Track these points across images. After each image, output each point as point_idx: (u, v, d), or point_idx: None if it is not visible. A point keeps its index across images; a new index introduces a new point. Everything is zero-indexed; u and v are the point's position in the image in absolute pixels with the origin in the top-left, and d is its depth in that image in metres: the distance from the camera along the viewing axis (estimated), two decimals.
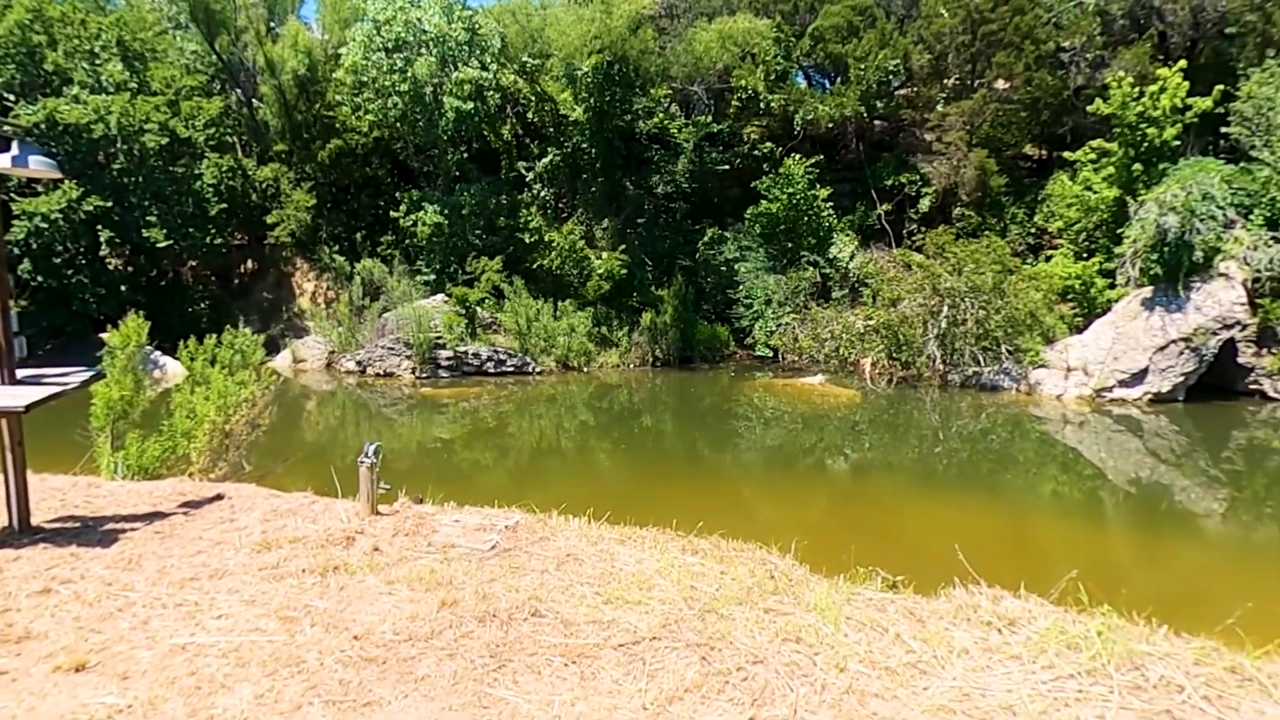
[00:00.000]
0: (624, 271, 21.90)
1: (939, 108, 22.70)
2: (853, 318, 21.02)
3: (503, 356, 19.99)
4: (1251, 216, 16.36)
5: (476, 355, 19.77)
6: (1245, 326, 15.78)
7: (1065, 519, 10.25)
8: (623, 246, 22.61)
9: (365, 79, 21.51)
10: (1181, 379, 15.54)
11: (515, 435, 15.32)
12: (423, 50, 21.13)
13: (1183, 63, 17.64)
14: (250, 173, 24.34)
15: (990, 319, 17.19)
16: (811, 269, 22.92)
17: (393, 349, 19.62)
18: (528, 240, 22.00)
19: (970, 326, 17.52)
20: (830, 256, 23.24)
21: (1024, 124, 22.75)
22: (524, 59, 22.97)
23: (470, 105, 20.80)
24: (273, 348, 22.38)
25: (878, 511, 10.29)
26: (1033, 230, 21.93)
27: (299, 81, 24.21)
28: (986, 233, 20.42)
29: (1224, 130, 17.87)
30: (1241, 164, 17.07)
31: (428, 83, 20.94)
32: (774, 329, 22.15)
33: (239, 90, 26.30)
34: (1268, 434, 14.23)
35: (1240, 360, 16.17)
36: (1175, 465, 12.90)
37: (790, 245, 23.38)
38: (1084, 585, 4.39)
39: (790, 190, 22.34)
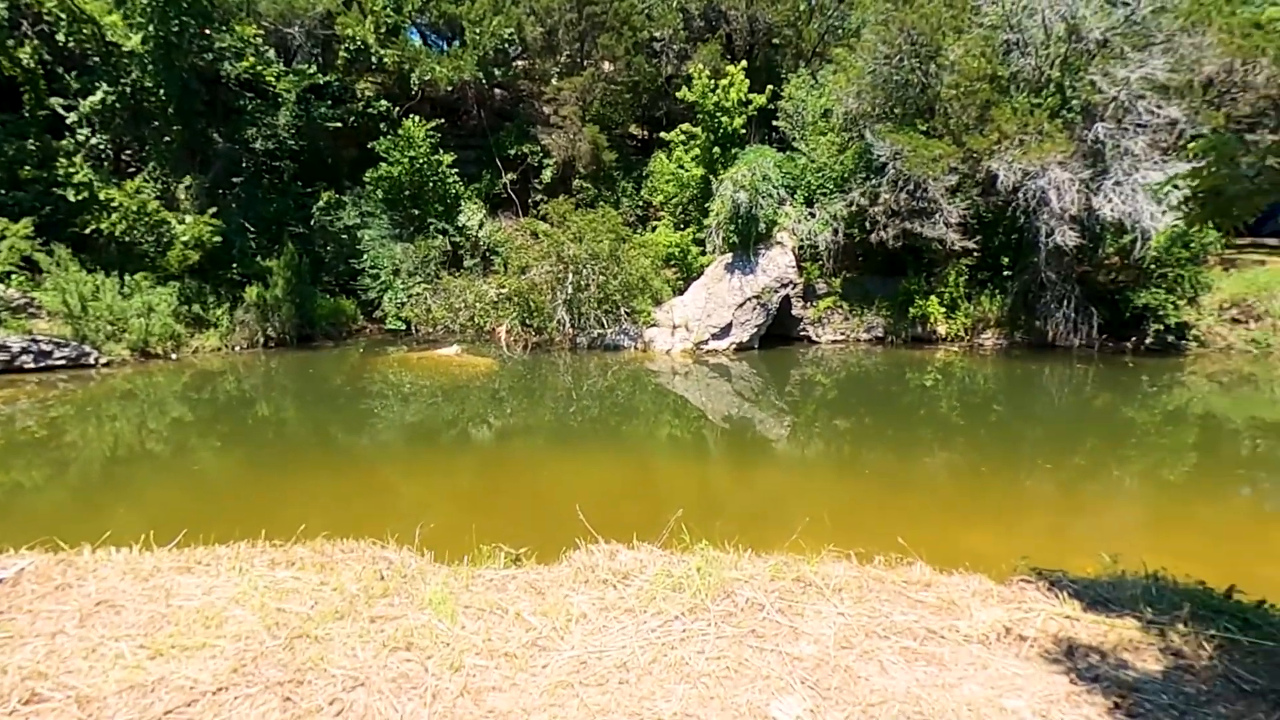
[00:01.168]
0: (218, 239, 18.63)
1: (553, 81, 23.55)
2: (485, 286, 20.98)
3: (46, 347, 15.57)
4: (796, 196, 20.21)
5: (4, 348, 15.09)
6: (796, 285, 19.55)
7: (677, 460, 11.50)
8: (214, 209, 19.18)
9: None
10: (756, 330, 18.69)
11: (76, 446, 12.03)
12: None
13: (744, 63, 20.85)
14: None
15: (609, 284, 18.57)
16: (441, 237, 22.24)
17: None
18: (74, 198, 17.31)
19: (593, 291, 18.71)
20: (460, 224, 22.81)
21: (628, 105, 24.87)
22: None
23: None
24: None
25: (515, 479, 10.30)
26: (640, 203, 24.22)
27: None
28: (602, 204, 21.95)
29: (775, 123, 21.68)
30: (788, 153, 20.91)
31: None
32: (405, 300, 21.05)
33: None
34: (813, 370, 17.86)
35: (794, 312, 20.02)
36: (754, 402, 15.46)
37: (417, 212, 22.38)
38: (687, 524, 4.77)
39: (412, 154, 21.26)
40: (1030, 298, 18.47)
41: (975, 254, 18.61)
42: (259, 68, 21.07)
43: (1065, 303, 17.81)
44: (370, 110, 22.93)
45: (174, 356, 17.46)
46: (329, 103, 22.84)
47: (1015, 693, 2.87)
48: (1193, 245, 17.30)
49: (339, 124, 22.89)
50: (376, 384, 16.20)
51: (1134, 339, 18.30)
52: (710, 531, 5.67)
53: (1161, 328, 17.64)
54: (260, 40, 21.54)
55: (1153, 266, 17.39)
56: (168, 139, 20.22)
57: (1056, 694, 2.83)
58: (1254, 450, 12.19)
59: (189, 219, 18.69)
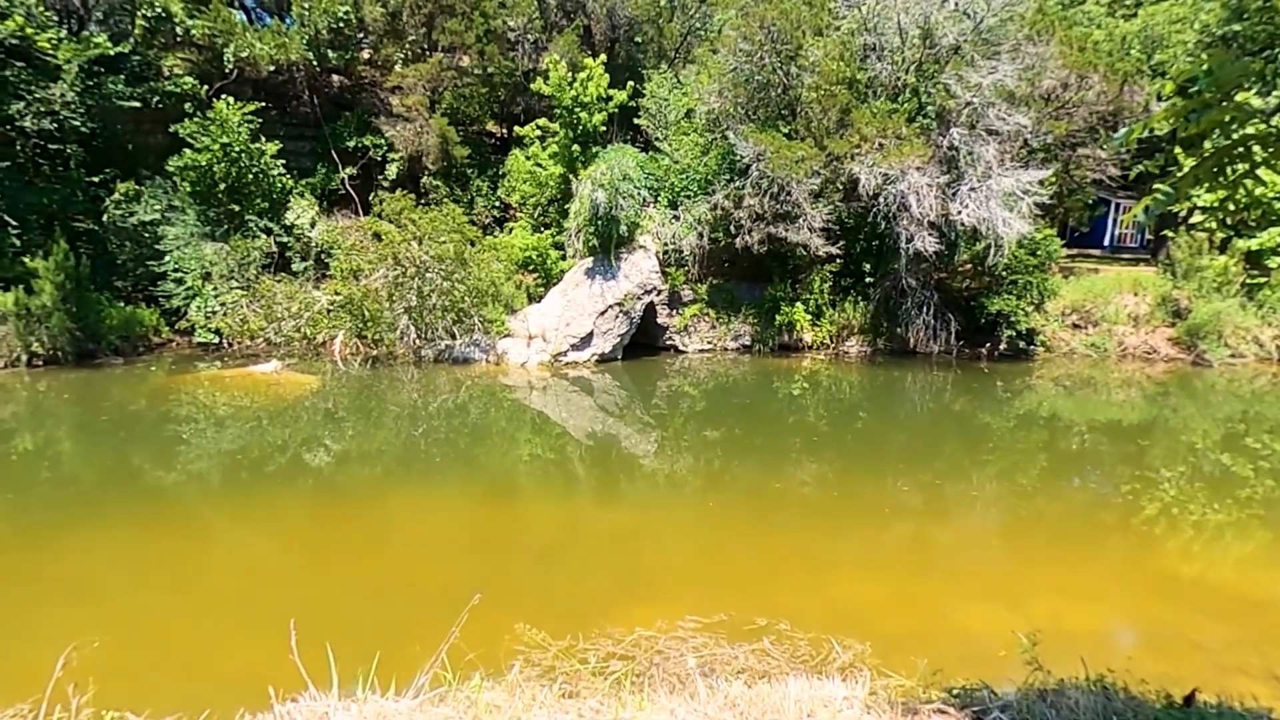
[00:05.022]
0: None
1: (398, 68, 21.42)
2: (317, 293, 18.52)
3: None
4: (659, 198, 19.24)
5: None
6: (660, 291, 18.54)
7: (509, 506, 9.75)
8: None
9: None
10: (619, 340, 17.46)
11: None
12: None
13: (603, 57, 19.67)
14: None
15: (455, 290, 16.73)
16: (265, 237, 19.51)
17: None
18: None
19: (438, 299, 16.82)
20: (288, 223, 20.15)
21: (484, 99, 23.07)
22: None
23: None
24: None
25: (262, 557, 7.68)
26: (497, 203, 22.50)
27: None
28: (446, 201, 20.03)
29: (637, 122, 20.65)
30: (650, 153, 19.93)
31: None
32: (216, 309, 18.18)
33: None
34: (680, 381, 16.87)
35: (659, 320, 19.00)
36: (619, 417, 14.20)
37: (237, 208, 19.53)
38: (492, 614, 3.34)
39: (226, 139, 18.48)
40: (891, 304, 18.42)
41: (839, 260, 18.34)
42: (29, 31, 17.63)
43: (925, 309, 17.86)
44: (174, 88, 19.80)
45: None
46: (124, 79, 19.53)
47: None
48: (1039, 253, 17.84)
49: (139, 104, 19.62)
50: (185, 407, 13.52)
51: (988, 345, 18.67)
52: (525, 612, 4.20)
53: (1013, 333, 18.06)
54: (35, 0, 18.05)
55: (1004, 273, 17.77)
56: None
57: None
58: (1095, 452, 12.30)
59: None
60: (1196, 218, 19.80)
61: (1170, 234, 20.53)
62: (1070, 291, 19.21)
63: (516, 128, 21.83)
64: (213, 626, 5.54)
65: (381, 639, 5.00)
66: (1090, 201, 22.78)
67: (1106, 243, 29.37)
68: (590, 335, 17.06)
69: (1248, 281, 18.82)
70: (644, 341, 18.72)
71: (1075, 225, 25.71)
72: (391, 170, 21.84)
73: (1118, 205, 29.27)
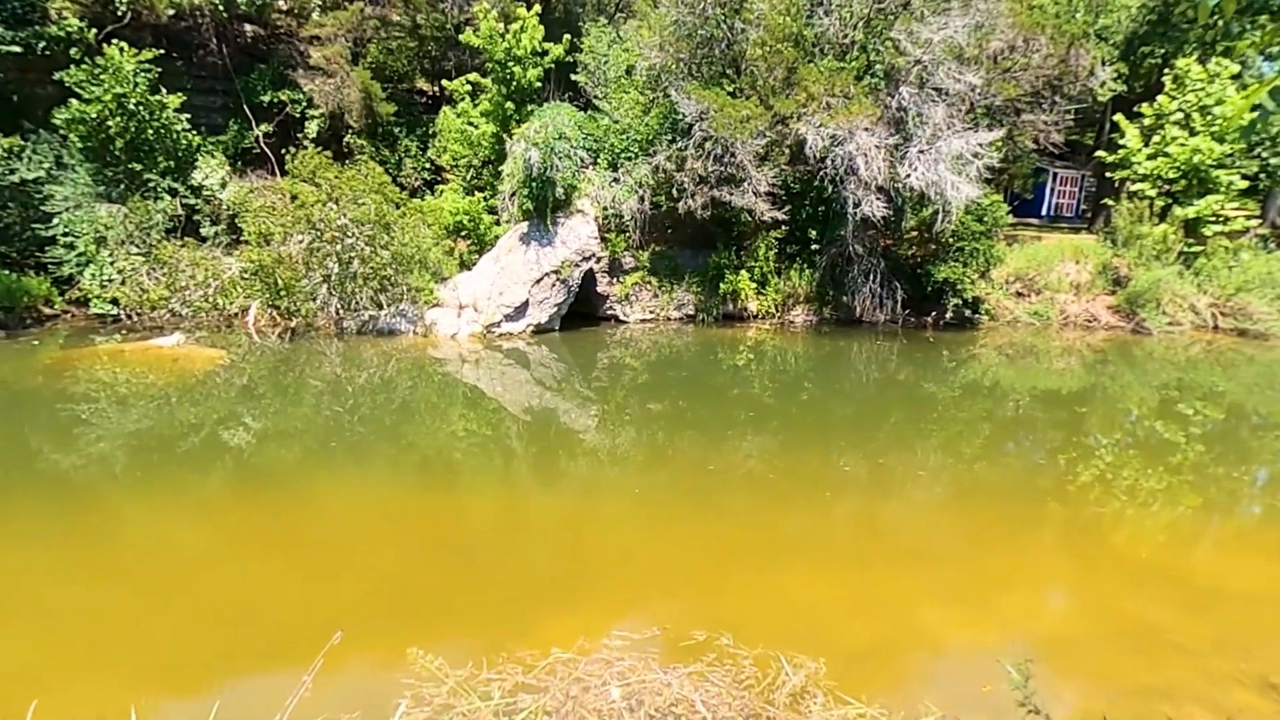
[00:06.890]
0: None
1: (315, 16, 19.78)
2: (228, 260, 17.08)
3: None
4: (599, 160, 18.26)
5: None
6: (600, 258, 17.66)
7: (448, 480, 9.11)
8: None
9: None
10: (556, 309, 16.57)
11: None
12: None
13: (538, 8, 18.46)
14: None
15: (377, 256, 15.55)
16: (169, 198, 17.88)
17: None
18: None
19: (360, 266, 15.62)
20: (195, 184, 18.51)
21: (412, 53, 21.60)
22: None
23: None
24: None
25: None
26: (427, 165, 21.18)
27: None
28: (366, 160, 18.65)
29: (574, 78, 19.54)
30: (589, 112, 18.89)
31: None
32: (114, 277, 16.60)
33: None
34: (621, 352, 16.13)
35: (599, 289, 18.14)
36: (556, 391, 13.40)
37: (137, 167, 17.81)
38: (362, 642, 2.55)
39: (120, 90, 16.73)
40: (838, 272, 17.96)
41: (784, 226, 17.74)
42: None
43: (871, 277, 17.45)
44: (61, 34, 17.82)
45: None
46: (2, 22, 17.47)
47: None
48: (986, 219, 17.55)
49: (19, 49, 17.61)
50: (82, 385, 12.15)
51: (934, 314, 18.40)
52: (424, 630, 3.44)
53: (959, 302, 17.81)
54: None
55: (951, 240, 17.44)
56: None
57: None
58: (1044, 422, 12.07)
59: None
60: (1136, 185, 19.83)
61: (1110, 202, 20.55)
62: (1014, 259, 19.07)
63: (446, 83, 20.45)
64: (35, 666, 4.61)
65: (238, 676, 4.18)
66: (1030, 169, 22.71)
67: (1044, 211, 29.60)
68: (525, 305, 16.14)
69: (1184, 250, 18.95)
70: (583, 311, 17.89)
71: (1020, 192, 25.67)
72: (311, 128, 20.29)
73: (1055, 175, 29.46)
